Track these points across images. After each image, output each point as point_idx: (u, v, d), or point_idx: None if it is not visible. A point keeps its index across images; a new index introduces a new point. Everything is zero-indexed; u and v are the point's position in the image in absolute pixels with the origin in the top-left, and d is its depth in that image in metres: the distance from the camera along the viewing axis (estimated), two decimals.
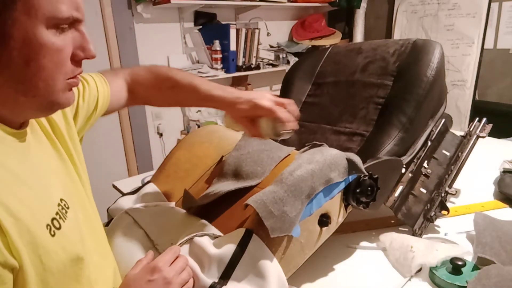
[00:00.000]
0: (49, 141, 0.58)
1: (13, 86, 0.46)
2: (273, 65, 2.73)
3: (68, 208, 0.53)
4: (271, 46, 2.88)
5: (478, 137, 0.97)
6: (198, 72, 2.33)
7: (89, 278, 0.54)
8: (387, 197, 0.86)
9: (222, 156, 0.89)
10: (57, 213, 0.50)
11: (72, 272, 0.51)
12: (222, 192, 0.74)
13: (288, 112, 0.69)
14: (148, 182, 0.95)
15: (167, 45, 2.41)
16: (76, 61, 0.50)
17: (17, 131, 0.50)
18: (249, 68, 2.57)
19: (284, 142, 1.05)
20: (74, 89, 0.54)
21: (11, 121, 0.49)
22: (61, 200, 0.53)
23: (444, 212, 0.89)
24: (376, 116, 0.93)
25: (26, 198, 0.46)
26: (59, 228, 0.49)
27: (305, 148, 0.79)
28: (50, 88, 0.48)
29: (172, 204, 0.86)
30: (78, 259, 0.52)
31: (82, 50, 0.50)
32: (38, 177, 0.51)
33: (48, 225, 0.48)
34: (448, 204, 0.91)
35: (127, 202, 0.90)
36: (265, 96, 0.70)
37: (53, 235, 0.48)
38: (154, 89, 0.78)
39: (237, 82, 2.73)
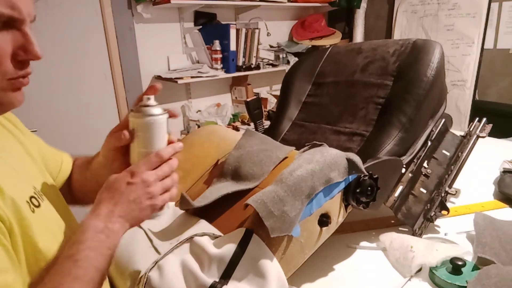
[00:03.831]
0: (13, 137, 0.60)
1: None
2: (273, 65, 2.73)
3: (41, 195, 0.55)
4: (271, 46, 2.88)
5: (478, 137, 0.97)
6: (198, 72, 2.33)
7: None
8: (387, 197, 0.86)
9: (218, 160, 0.89)
10: (34, 194, 0.53)
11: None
12: (219, 195, 0.74)
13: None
14: None
15: (167, 45, 2.41)
16: (19, 61, 0.50)
17: None
18: (249, 68, 2.57)
19: (285, 142, 1.05)
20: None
21: None
22: (34, 187, 0.55)
23: (444, 212, 0.89)
24: (376, 116, 0.93)
25: (7, 172, 0.50)
26: (38, 206, 0.52)
27: (305, 148, 0.79)
28: None
29: (172, 204, 0.86)
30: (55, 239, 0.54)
31: (24, 51, 0.49)
32: (13, 161, 0.54)
33: (27, 201, 0.50)
34: (448, 204, 0.91)
35: None
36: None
37: (33, 212, 0.50)
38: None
39: (237, 82, 2.74)
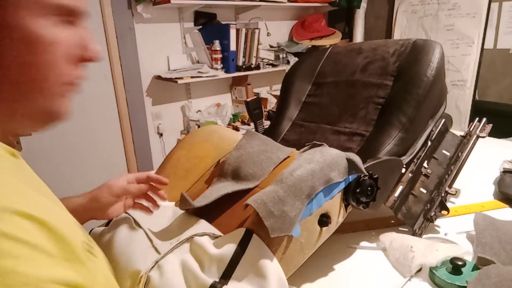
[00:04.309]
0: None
1: (7, 90, 0.39)
2: (273, 65, 2.73)
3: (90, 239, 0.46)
4: (271, 46, 2.88)
5: (478, 137, 0.97)
6: (198, 72, 2.33)
7: None
8: (387, 197, 0.86)
9: (219, 160, 0.89)
10: (83, 240, 0.42)
11: None
12: (219, 195, 0.74)
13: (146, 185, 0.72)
14: None
15: (167, 45, 2.41)
16: (76, 62, 0.43)
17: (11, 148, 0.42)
18: (249, 68, 2.57)
19: (285, 142, 1.05)
20: None
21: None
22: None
23: (444, 212, 0.89)
24: (376, 116, 0.93)
25: (60, 215, 0.40)
26: (91, 253, 0.42)
27: (305, 148, 0.79)
28: (50, 91, 0.41)
29: (172, 204, 0.86)
30: None
31: (83, 50, 0.43)
32: (51, 197, 0.44)
33: (87, 251, 0.41)
34: (448, 204, 0.91)
35: None
36: (121, 178, 0.70)
37: (88, 259, 0.40)
38: None
39: (237, 82, 2.74)
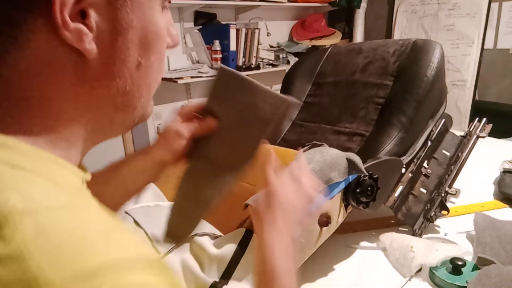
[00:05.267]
0: None
1: (114, 102, 0.33)
2: (273, 65, 2.73)
3: None
4: (271, 46, 2.88)
5: (478, 137, 0.97)
6: (198, 72, 2.33)
7: None
8: (387, 197, 0.86)
9: None
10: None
11: None
12: None
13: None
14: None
15: None
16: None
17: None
18: (249, 68, 2.56)
19: (285, 143, 1.05)
20: None
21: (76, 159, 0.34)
22: None
23: (444, 212, 0.89)
24: (376, 116, 0.93)
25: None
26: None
27: (305, 148, 0.79)
28: (150, 93, 0.36)
29: (172, 204, 0.86)
30: None
31: (170, 36, 0.37)
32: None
33: None
34: (448, 204, 0.91)
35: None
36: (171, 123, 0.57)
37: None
38: None
39: None
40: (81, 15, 0.28)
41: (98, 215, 0.29)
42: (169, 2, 0.35)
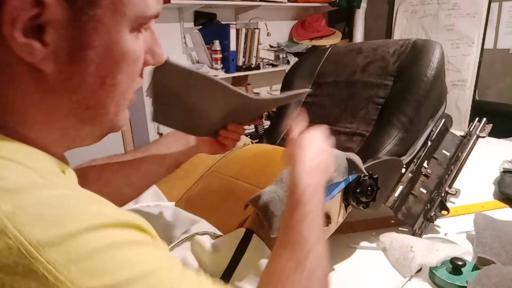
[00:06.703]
0: None
1: (78, 115, 0.35)
2: (273, 65, 2.73)
3: None
4: (271, 46, 2.88)
5: (478, 137, 0.97)
6: None
7: None
8: (387, 197, 0.86)
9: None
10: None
11: None
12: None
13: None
14: None
15: (167, 45, 2.41)
16: (142, 70, 0.39)
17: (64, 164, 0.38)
18: (249, 68, 2.57)
19: (285, 142, 1.05)
20: None
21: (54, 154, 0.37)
22: None
23: (444, 212, 0.89)
24: (376, 116, 0.93)
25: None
26: None
27: None
28: (118, 109, 0.37)
29: (172, 204, 0.86)
30: None
31: (152, 55, 0.39)
32: None
33: None
34: (448, 204, 0.91)
35: None
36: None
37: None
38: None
39: (237, 82, 2.73)
40: (40, 30, 0.30)
41: (79, 192, 0.32)
42: (147, 26, 0.37)
